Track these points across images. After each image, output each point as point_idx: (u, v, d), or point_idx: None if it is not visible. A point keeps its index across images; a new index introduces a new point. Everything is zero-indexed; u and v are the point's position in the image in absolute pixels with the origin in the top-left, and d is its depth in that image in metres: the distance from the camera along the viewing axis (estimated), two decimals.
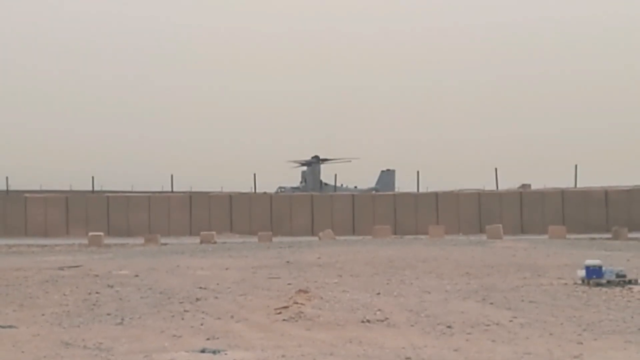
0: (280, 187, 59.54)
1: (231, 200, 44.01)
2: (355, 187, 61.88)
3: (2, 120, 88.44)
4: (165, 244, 34.41)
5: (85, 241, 35.62)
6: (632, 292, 15.43)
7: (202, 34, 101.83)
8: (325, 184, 59.96)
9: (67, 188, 56.14)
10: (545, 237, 35.85)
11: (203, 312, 13.73)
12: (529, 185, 50.34)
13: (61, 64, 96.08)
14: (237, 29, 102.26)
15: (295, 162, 64.12)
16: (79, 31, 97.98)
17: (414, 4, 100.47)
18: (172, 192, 48.05)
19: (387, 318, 12.88)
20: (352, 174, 65.17)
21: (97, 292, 16.06)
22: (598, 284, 16.15)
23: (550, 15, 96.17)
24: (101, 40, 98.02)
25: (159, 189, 53.76)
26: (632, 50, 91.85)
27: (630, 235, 35.79)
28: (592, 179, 48.48)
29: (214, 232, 37.45)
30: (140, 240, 36.29)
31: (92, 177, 47.71)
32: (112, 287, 16.81)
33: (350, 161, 62.21)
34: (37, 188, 57.18)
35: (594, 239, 35.51)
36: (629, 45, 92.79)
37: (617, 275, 16.44)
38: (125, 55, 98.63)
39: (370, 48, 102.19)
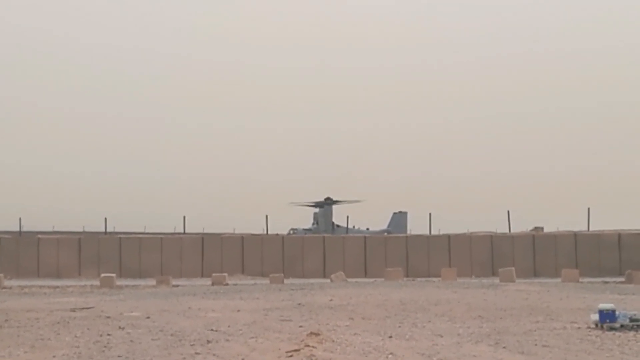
0: (292, 229, 59.68)
1: (243, 241, 43.99)
2: (367, 228, 61.99)
3: (15, 161, 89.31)
4: (176, 286, 34.38)
5: (97, 282, 35.64)
6: None
7: (210, 73, 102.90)
8: (338, 226, 60.09)
9: (79, 229, 56.49)
10: (558, 280, 35.59)
11: (214, 354, 13.68)
12: (542, 228, 50.17)
13: (73, 104, 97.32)
14: (244, 65, 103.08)
15: (299, 203, 64.35)
16: (89, 73, 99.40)
17: (420, 41, 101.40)
18: (184, 233, 48.18)
19: None
20: (364, 216, 65.33)
21: (108, 334, 16.04)
22: (611, 328, 16.02)
23: (561, 48, 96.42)
24: (111, 82, 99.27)
25: (171, 231, 53.98)
26: None
27: None
28: (605, 222, 48.33)
29: (225, 274, 37.40)
30: (152, 282, 36.27)
31: (105, 219, 47.92)
32: (123, 329, 16.80)
33: (359, 201, 62.40)
34: (49, 229, 57.52)
35: (607, 282, 35.25)
36: None
37: (631, 320, 16.31)
38: (136, 96, 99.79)
39: (378, 87, 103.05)
